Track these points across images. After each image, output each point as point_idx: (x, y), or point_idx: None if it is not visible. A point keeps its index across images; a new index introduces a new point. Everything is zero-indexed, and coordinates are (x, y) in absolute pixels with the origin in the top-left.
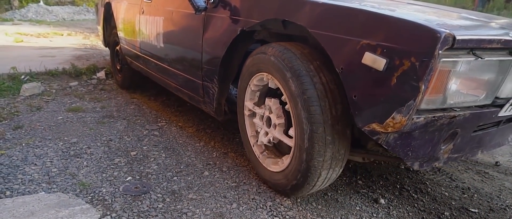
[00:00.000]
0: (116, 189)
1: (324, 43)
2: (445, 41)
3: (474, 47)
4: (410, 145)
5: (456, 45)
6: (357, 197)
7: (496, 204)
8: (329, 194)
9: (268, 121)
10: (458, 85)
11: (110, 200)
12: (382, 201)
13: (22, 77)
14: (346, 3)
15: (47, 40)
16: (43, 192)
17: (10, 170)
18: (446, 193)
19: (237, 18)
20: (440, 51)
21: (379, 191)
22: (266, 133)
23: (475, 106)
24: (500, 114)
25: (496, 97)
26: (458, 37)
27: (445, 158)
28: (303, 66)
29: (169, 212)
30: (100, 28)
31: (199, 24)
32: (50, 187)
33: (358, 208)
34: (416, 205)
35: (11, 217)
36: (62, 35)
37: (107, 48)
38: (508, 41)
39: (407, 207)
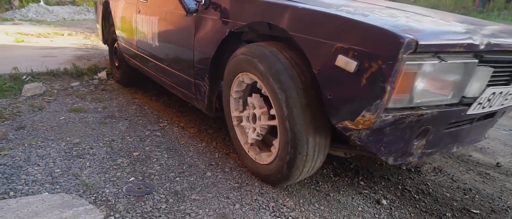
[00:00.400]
0: (119, 190)
1: (303, 45)
2: (408, 46)
3: (438, 51)
4: (382, 141)
5: (419, 49)
6: (359, 198)
7: (498, 205)
8: (331, 195)
9: (254, 118)
10: (424, 85)
11: (113, 201)
12: (384, 202)
13: (24, 77)
14: (323, 8)
15: (48, 40)
16: (47, 193)
17: (13, 170)
18: (448, 194)
19: (226, 20)
20: (403, 55)
21: (381, 192)
22: (254, 129)
23: (444, 105)
24: (468, 113)
25: (463, 97)
26: (420, 42)
27: (419, 153)
28: (267, 49)
29: (173, 213)
30: (99, 26)
31: (191, 25)
32: (53, 188)
33: (360, 209)
34: (418, 206)
35: (16, 217)
36: (63, 35)
37: (108, 48)
38: (471, 45)
39: (409, 208)
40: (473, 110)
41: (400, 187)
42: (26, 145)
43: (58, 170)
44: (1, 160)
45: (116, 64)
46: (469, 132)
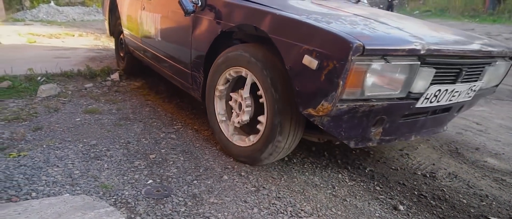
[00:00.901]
0: (138, 192)
1: (279, 46)
2: (357, 49)
3: (384, 54)
4: (341, 126)
5: (366, 53)
6: (376, 203)
7: None
8: (348, 200)
9: (240, 107)
10: (374, 81)
11: (133, 203)
12: (401, 207)
13: (39, 78)
14: (296, 15)
15: (59, 40)
16: (68, 194)
17: (33, 171)
18: (464, 201)
19: (219, 21)
20: (352, 57)
21: (398, 198)
22: (243, 112)
23: (396, 98)
24: (417, 106)
25: (410, 92)
26: (367, 47)
27: (377, 139)
28: (241, 47)
29: (192, 216)
30: (106, 18)
31: (189, 24)
32: (73, 189)
33: (378, 214)
34: (435, 212)
35: (40, 218)
36: (74, 35)
37: (114, 40)
38: (413, 50)
39: (426, 214)
40: (421, 104)
41: (416, 192)
42: (44, 146)
43: (77, 172)
44: (21, 161)
45: (121, 55)
46: (425, 123)
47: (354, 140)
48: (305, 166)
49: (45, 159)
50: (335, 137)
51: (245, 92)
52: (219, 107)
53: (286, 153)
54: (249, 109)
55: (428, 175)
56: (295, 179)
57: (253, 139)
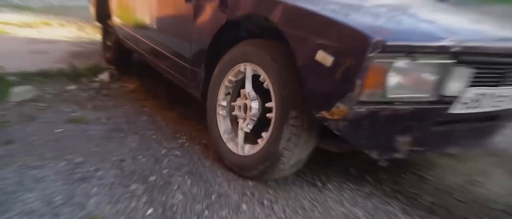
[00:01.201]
0: None
1: (290, 39)
2: (375, 46)
3: (410, 51)
4: (361, 133)
5: (387, 49)
6: None
7: None
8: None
9: (245, 109)
10: (398, 82)
11: None
12: None
13: (11, 78)
14: (310, 5)
15: (35, 31)
16: None
17: (5, 196)
18: None
19: (224, 9)
20: (371, 54)
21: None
22: (250, 108)
23: (425, 102)
24: (451, 112)
25: (442, 96)
26: (388, 43)
27: (405, 150)
28: (233, 48)
29: None
30: (92, 2)
31: (190, 11)
32: None
33: None
34: None
35: None
36: (52, 25)
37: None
38: (444, 47)
39: None
40: (459, 109)
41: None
42: (18, 164)
43: (59, 198)
44: None
45: (109, 44)
46: (465, 133)
47: (377, 150)
48: (344, 194)
49: (18, 181)
50: (355, 146)
51: (248, 86)
52: (224, 126)
53: (309, 138)
54: (256, 100)
55: (508, 211)
56: (332, 211)
57: (265, 135)
